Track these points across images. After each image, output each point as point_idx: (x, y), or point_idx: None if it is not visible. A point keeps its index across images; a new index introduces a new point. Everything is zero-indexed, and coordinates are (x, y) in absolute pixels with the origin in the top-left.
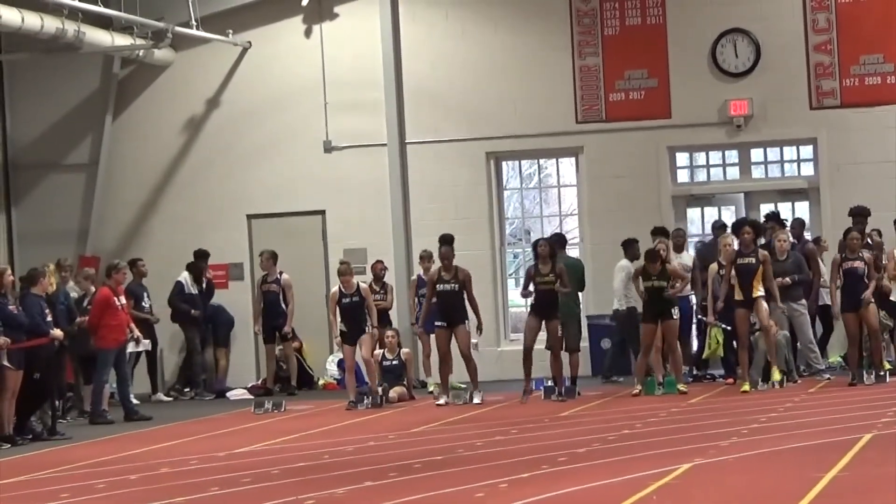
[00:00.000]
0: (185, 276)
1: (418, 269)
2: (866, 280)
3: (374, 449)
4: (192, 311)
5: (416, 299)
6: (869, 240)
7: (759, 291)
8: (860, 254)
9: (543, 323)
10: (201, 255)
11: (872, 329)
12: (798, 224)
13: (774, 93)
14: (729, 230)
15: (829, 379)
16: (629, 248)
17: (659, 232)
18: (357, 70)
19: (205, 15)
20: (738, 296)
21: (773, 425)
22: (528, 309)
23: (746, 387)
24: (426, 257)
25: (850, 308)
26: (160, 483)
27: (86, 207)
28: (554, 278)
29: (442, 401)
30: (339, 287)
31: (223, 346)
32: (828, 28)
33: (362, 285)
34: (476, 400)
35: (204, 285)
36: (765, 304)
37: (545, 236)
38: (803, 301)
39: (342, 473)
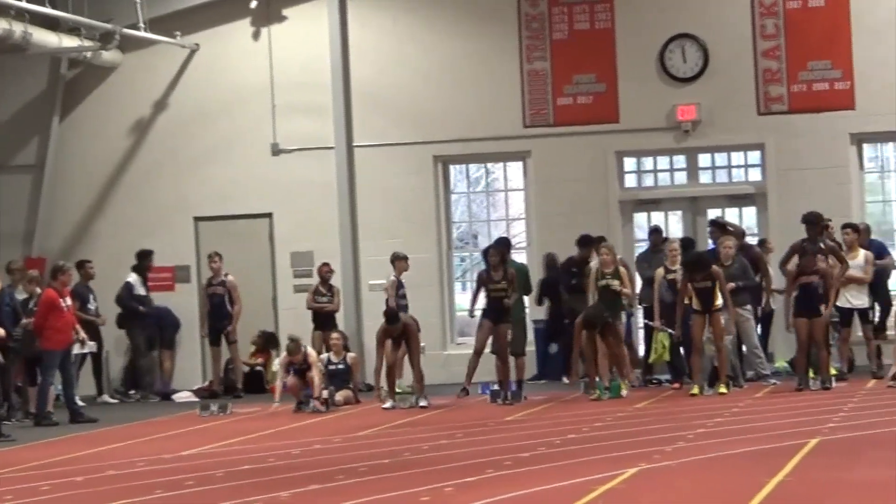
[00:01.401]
0: (133, 277)
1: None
2: (820, 292)
3: (320, 452)
4: (141, 308)
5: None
6: (822, 244)
7: (718, 302)
8: (817, 268)
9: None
10: (146, 255)
11: (818, 342)
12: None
13: (722, 98)
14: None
15: (774, 384)
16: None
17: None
18: (305, 73)
19: (153, 17)
20: (696, 305)
21: (720, 430)
22: (481, 313)
23: (696, 390)
24: (403, 258)
25: (803, 314)
26: (105, 485)
27: (32, 209)
28: (506, 285)
29: (388, 404)
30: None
31: (168, 348)
32: (776, 34)
33: (310, 355)
34: (422, 403)
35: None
36: (722, 320)
37: (493, 242)
38: (748, 306)
39: (288, 476)
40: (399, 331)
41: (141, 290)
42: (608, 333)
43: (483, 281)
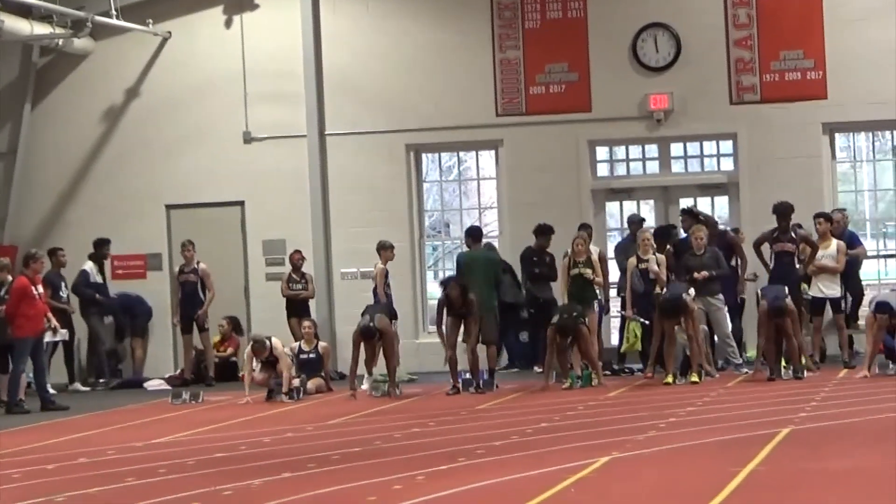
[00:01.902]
0: (89, 266)
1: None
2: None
3: (291, 440)
4: (97, 296)
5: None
6: (793, 233)
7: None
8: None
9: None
10: (102, 243)
11: (787, 335)
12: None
13: (695, 87)
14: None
15: (746, 373)
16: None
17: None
18: (277, 61)
19: (125, 4)
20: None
21: (691, 419)
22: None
23: (670, 378)
24: (389, 247)
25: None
26: (77, 473)
27: (3, 196)
28: (465, 310)
29: (365, 385)
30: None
31: (140, 336)
32: (748, 23)
33: (276, 348)
34: (395, 392)
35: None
36: (696, 311)
37: (465, 231)
38: (720, 295)
39: (259, 465)
40: (374, 343)
41: (97, 279)
42: (579, 338)
43: (444, 305)
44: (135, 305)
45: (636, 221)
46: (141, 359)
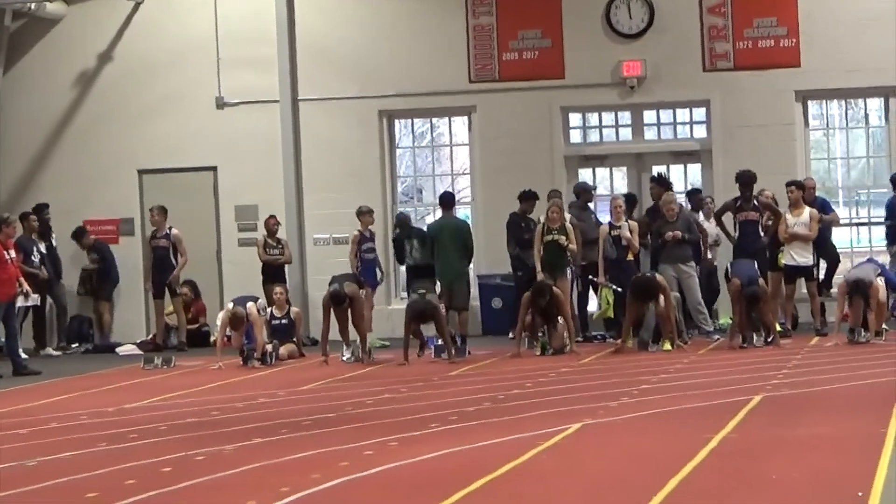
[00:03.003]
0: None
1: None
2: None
3: (264, 406)
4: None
5: (358, 255)
6: (756, 201)
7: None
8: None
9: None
10: (40, 209)
11: (761, 314)
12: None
13: (668, 55)
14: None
15: (718, 340)
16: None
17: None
18: (250, 26)
19: None
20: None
21: (663, 386)
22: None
23: (630, 343)
24: (367, 212)
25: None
26: (49, 438)
27: None
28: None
29: (347, 356)
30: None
31: (107, 300)
32: None
33: (251, 314)
34: (367, 359)
35: (54, 240)
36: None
37: (438, 198)
38: (692, 262)
39: (232, 430)
40: (344, 310)
41: (39, 246)
42: (557, 302)
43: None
44: (104, 270)
45: (587, 190)
46: (108, 323)
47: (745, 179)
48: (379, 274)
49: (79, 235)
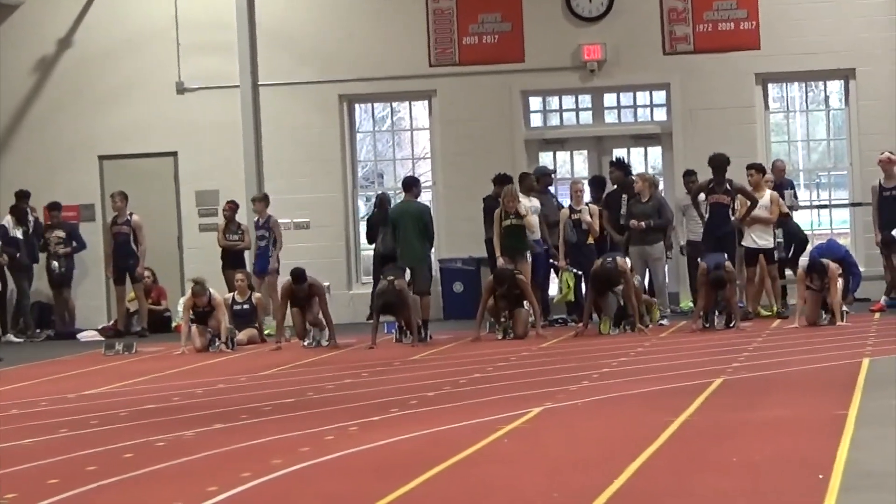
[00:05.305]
0: (7, 220)
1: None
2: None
3: (224, 391)
4: (17, 254)
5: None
6: (728, 185)
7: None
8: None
9: None
10: (22, 196)
11: (726, 298)
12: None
13: (628, 38)
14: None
15: (663, 324)
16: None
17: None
18: (210, 11)
19: None
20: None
21: (624, 370)
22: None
23: (605, 327)
24: (261, 199)
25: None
26: (10, 424)
27: None
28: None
29: (307, 342)
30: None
31: (68, 286)
32: None
33: (215, 297)
34: (324, 343)
35: (31, 227)
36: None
37: (402, 182)
38: (660, 244)
39: (192, 416)
40: (304, 292)
41: (16, 233)
42: (522, 286)
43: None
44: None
45: (546, 174)
46: (72, 309)
47: (718, 163)
48: (272, 263)
49: (53, 207)
